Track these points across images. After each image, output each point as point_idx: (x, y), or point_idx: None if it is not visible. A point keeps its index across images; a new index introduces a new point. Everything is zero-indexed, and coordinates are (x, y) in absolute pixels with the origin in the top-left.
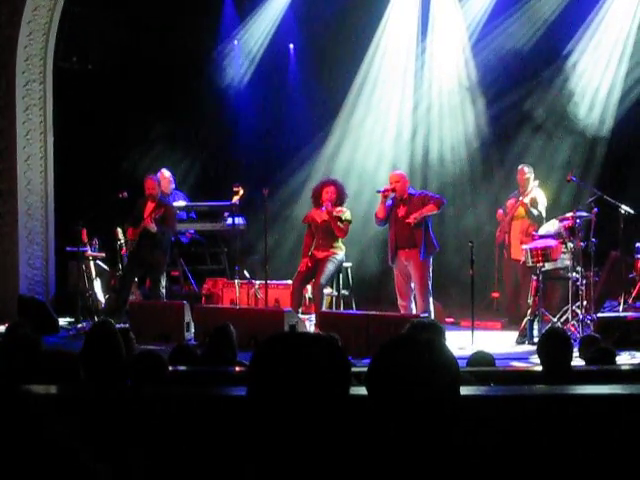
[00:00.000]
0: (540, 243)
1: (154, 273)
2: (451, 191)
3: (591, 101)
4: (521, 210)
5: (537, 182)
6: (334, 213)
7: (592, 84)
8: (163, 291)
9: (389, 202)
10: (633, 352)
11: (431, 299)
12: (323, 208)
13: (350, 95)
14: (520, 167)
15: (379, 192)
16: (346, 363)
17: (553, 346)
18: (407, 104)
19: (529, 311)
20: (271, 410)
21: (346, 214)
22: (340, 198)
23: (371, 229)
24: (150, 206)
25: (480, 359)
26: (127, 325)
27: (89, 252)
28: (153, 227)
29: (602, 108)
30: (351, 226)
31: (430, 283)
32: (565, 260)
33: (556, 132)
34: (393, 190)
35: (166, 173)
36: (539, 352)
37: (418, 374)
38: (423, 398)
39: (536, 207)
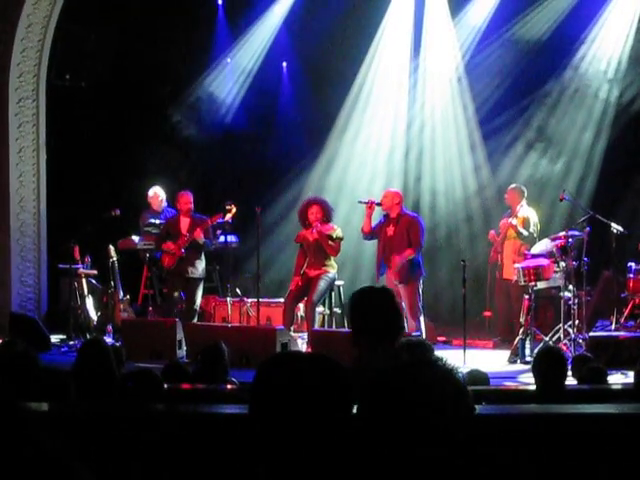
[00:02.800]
0: (532, 262)
1: (194, 287)
2: (444, 209)
3: (586, 120)
4: (513, 231)
5: (524, 201)
6: (324, 232)
7: (586, 103)
8: (198, 306)
9: (381, 219)
10: (625, 371)
11: (422, 318)
12: (314, 230)
13: (343, 112)
14: (510, 187)
15: (360, 202)
16: (348, 381)
17: (548, 365)
18: (400, 121)
19: (521, 330)
20: (274, 430)
21: (337, 232)
22: (327, 215)
23: (363, 246)
24: (185, 221)
25: (474, 378)
26: (119, 342)
27: (81, 269)
28: (202, 238)
29: (596, 127)
30: (343, 243)
31: (420, 302)
32: (557, 279)
33: (549, 151)
34: (378, 204)
35: (159, 191)
36: (534, 371)
37: (422, 395)
38: (423, 420)
39: (527, 227)
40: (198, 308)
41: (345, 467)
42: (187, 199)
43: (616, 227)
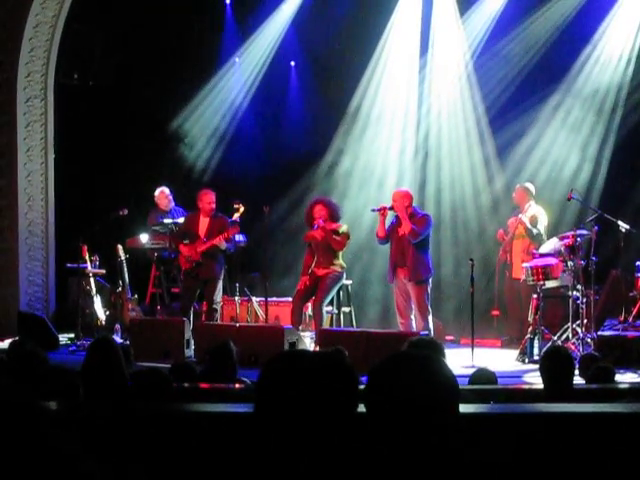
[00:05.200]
0: (540, 261)
1: (212, 288)
2: (453, 208)
3: (594, 118)
4: (522, 229)
5: (533, 200)
6: (327, 227)
7: (595, 101)
8: (219, 306)
9: (392, 220)
10: (633, 370)
11: (430, 317)
12: (315, 226)
13: (351, 112)
14: (517, 186)
15: (373, 211)
16: (354, 380)
17: (555, 364)
18: (409, 121)
19: (529, 329)
20: (279, 427)
21: (343, 228)
22: (332, 215)
23: (372, 246)
24: (204, 222)
25: (482, 377)
26: (127, 341)
27: (89, 269)
28: (224, 245)
29: (605, 125)
30: (351, 242)
31: (428, 301)
32: (565, 278)
33: (557, 149)
34: (391, 208)
35: (166, 191)
36: (541, 370)
37: (416, 391)
38: (421, 415)
39: (535, 225)
40: (219, 307)
41: (350, 463)
42: (210, 198)
43: (624, 226)
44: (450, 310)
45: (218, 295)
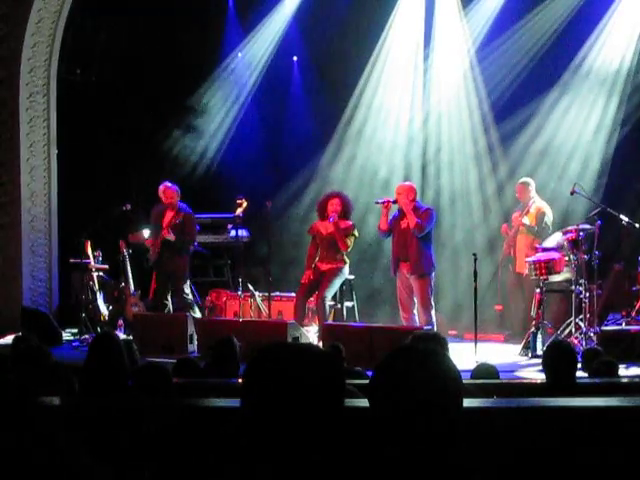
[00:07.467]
0: (543, 256)
1: (176, 281)
2: (454, 202)
3: (598, 113)
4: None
5: (535, 195)
6: (340, 225)
7: (600, 95)
8: (190, 297)
9: (395, 213)
10: (636, 365)
11: (433, 311)
12: (331, 219)
13: (354, 107)
14: (518, 182)
15: (377, 203)
16: (339, 374)
17: (558, 359)
18: (411, 116)
19: (532, 324)
20: (264, 421)
21: (353, 230)
22: (346, 210)
23: (375, 241)
24: (169, 215)
25: (484, 371)
26: (130, 336)
27: (92, 264)
28: (171, 236)
29: (609, 120)
30: (356, 239)
31: (432, 296)
32: (568, 273)
33: (562, 144)
34: (394, 202)
35: (169, 185)
36: (544, 364)
37: (420, 385)
38: (425, 410)
39: (542, 220)
40: (191, 301)
41: (335, 459)
42: (170, 193)
43: (627, 220)
44: (453, 304)
45: (186, 287)
